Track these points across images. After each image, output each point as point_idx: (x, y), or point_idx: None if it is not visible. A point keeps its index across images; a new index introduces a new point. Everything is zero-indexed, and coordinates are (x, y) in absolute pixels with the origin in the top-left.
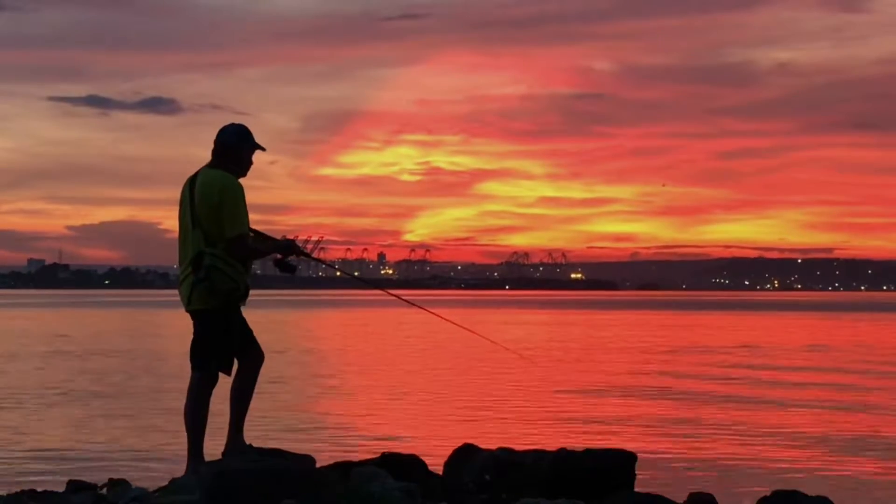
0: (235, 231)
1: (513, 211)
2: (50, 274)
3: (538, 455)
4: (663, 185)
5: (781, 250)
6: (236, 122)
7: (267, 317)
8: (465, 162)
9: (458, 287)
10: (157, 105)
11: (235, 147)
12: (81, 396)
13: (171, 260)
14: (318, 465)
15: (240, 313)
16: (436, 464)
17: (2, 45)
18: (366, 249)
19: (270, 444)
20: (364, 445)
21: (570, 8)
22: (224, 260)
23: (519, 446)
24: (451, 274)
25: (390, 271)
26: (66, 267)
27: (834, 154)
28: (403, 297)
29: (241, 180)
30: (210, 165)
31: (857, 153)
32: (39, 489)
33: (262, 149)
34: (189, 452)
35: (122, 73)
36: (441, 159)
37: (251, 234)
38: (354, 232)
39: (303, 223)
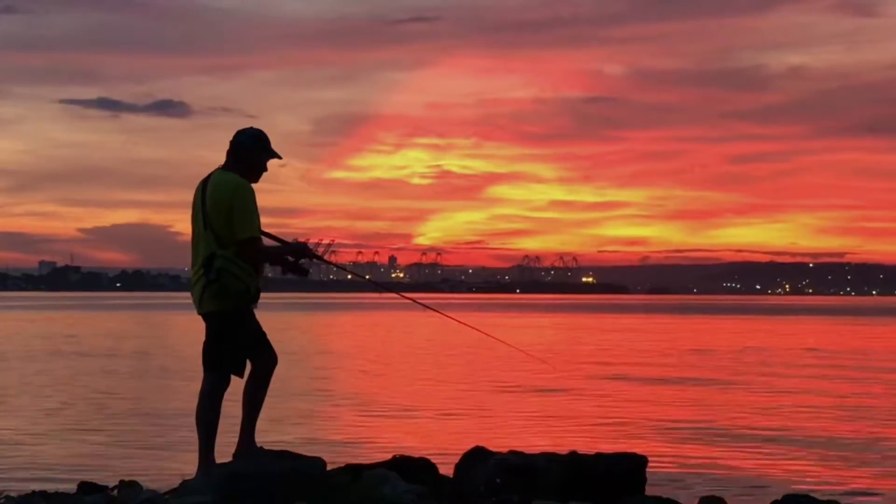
0: (246, 233)
1: (524, 214)
2: (61, 276)
3: (549, 458)
4: None
5: (793, 254)
6: (252, 126)
7: (278, 319)
8: (477, 165)
9: (469, 291)
10: (168, 108)
11: (250, 151)
12: (93, 398)
13: (182, 262)
14: (328, 468)
15: (253, 315)
16: (446, 467)
17: (13, 48)
18: (377, 253)
19: (281, 447)
20: (375, 448)
21: (582, 11)
22: (235, 262)
23: (530, 449)
24: (462, 277)
25: (401, 274)
26: (77, 269)
27: (846, 158)
28: (419, 301)
29: (252, 184)
30: (223, 168)
31: (869, 157)
32: (50, 490)
33: (279, 157)
34: (200, 454)
35: (133, 75)
36: (452, 163)
37: (263, 237)
38: (365, 235)
39: (314, 226)
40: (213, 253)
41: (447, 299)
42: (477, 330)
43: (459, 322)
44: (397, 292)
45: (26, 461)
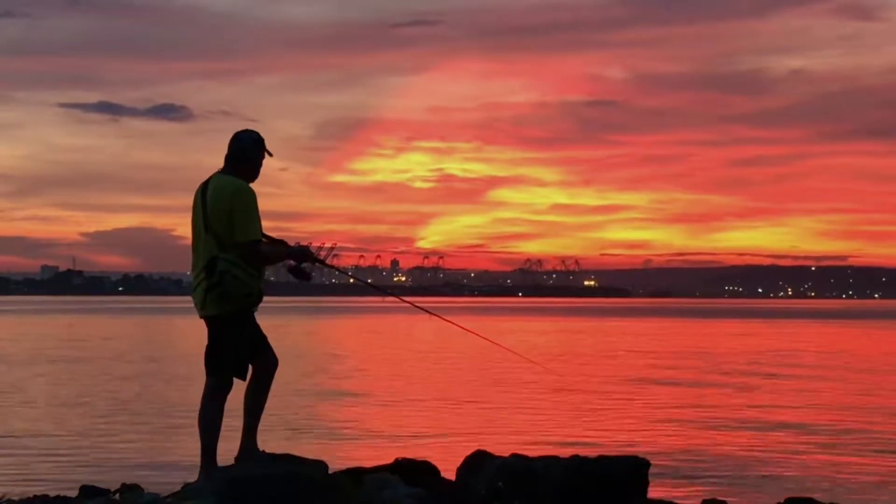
0: (248, 236)
1: (526, 218)
2: (63, 280)
3: (551, 462)
4: None
5: (795, 258)
6: (248, 128)
7: (280, 323)
8: (478, 169)
9: (472, 294)
10: (169, 112)
11: (251, 153)
12: (94, 401)
13: (184, 266)
14: (330, 471)
15: (254, 319)
16: (448, 470)
17: (13, 52)
18: (379, 256)
19: (283, 450)
20: (377, 451)
21: (583, 15)
22: (237, 265)
23: (531, 453)
24: (465, 281)
25: (403, 278)
26: (79, 273)
27: (847, 162)
28: (417, 305)
29: (254, 187)
30: (223, 171)
31: (870, 161)
32: (52, 494)
33: (270, 154)
34: (202, 458)
35: (133, 79)
36: (454, 166)
37: (265, 240)
38: (367, 239)
39: (316, 230)
40: (215, 256)
41: (449, 303)
42: (475, 334)
43: (461, 328)
44: (397, 296)
45: (28, 465)
